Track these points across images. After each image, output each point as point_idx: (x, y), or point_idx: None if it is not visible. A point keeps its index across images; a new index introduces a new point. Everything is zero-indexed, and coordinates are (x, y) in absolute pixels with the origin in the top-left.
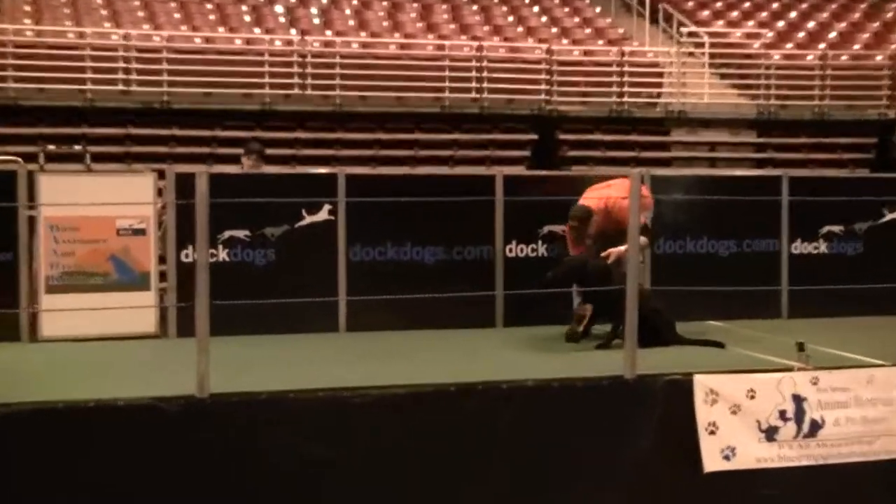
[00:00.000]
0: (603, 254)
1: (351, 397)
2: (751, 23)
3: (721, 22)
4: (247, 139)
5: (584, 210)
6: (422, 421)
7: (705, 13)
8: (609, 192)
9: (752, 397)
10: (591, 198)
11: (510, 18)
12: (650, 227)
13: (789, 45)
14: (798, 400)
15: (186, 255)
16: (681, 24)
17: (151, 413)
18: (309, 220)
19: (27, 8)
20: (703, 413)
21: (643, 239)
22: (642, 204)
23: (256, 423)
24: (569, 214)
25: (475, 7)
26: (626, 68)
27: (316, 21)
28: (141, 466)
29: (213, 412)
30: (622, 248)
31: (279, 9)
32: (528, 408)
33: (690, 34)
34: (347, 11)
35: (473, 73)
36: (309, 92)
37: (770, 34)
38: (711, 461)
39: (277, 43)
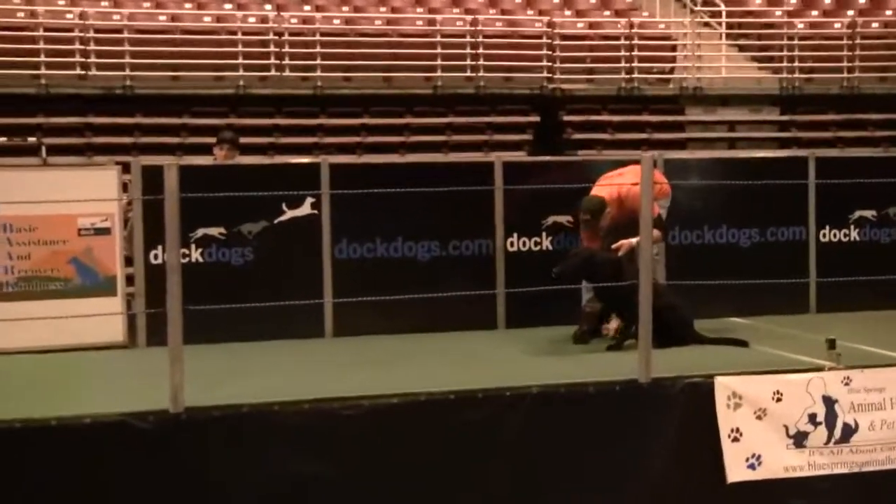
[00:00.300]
0: (613, 246)
1: (340, 409)
2: None
3: None
4: (219, 127)
5: (598, 202)
6: (418, 433)
7: None
8: (622, 181)
9: (779, 400)
10: (603, 187)
11: None
12: (664, 217)
13: (814, 13)
14: (829, 402)
15: (156, 257)
16: None
17: (121, 430)
18: (290, 214)
19: None
20: (726, 418)
21: (656, 232)
22: (657, 192)
23: (237, 438)
24: (581, 207)
25: None
26: (636, 42)
27: None
28: (110, 489)
29: (189, 428)
30: (633, 239)
31: None
32: (533, 416)
33: (706, 3)
34: None
35: (468, 50)
36: (287, 73)
37: (793, 1)
38: (735, 471)
39: (251, 20)
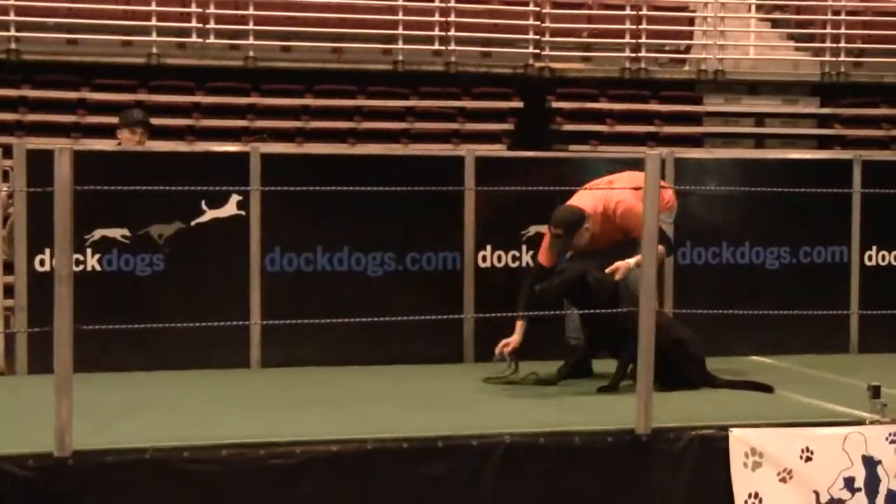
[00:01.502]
0: (608, 269)
1: (267, 457)
2: None
3: None
4: (126, 104)
5: (575, 214)
6: (363, 489)
7: None
8: (609, 195)
9: (809, 460)
10: (585, 196)
11: None
12: (669, 233)
13: None
14: (871, 463)
15: (42, 263)
16: None
17: None
18: (211, 215)
19: None
20: (743, 480)
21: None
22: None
23: (136, 491)
24: (552, 219)
25: None
26: (644, 13)
27: None
28: None
29: (78, 476)
30: (631, 260)
31: None
32: (506, 472)
33: None
34: None
35: (437, 17)
36: (211, 40)
37: None
38: None
39: None
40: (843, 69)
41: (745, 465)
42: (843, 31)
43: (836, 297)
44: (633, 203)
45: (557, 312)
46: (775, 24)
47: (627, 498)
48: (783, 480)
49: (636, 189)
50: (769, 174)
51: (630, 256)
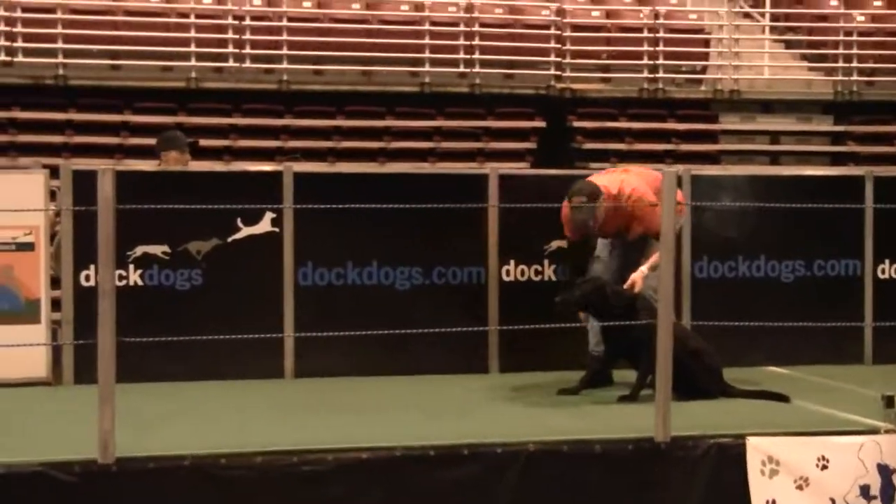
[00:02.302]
0: (626, 284)
1: (299, 463)
2: None
3: None
4: (166, 126)
5: (594, 187)
6: (391, 494)
7: None
8: (626, 178)
9: (825, 468)
10: (601, 179)
11: None
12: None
13: (877, 3)
14: (885, 472)
15: (87, 278)
16: None
17: (41, 483)
18: (246, 232)
19: None
20: (760, 488)
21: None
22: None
23: (176, 496)
24: (572, 190)
25: None
26: (662, 34)
27: None
28: None
29: (120, 482)
30: (644, 268)
31: None
32: (529, 478)
33: None
34: None
35: (461, 41)
36: (247, 65)
37: None
38: None
39: (206, 1)
40: (855, 88)
41: (763, 472)
42: (854, 51)
43: (850, 309)
44: (646, 192)
45: (577, 324)
46: (788, 44)
47: (646, 503)
48: (800, 488)
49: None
50: (784, 190)
51: (637, 256)
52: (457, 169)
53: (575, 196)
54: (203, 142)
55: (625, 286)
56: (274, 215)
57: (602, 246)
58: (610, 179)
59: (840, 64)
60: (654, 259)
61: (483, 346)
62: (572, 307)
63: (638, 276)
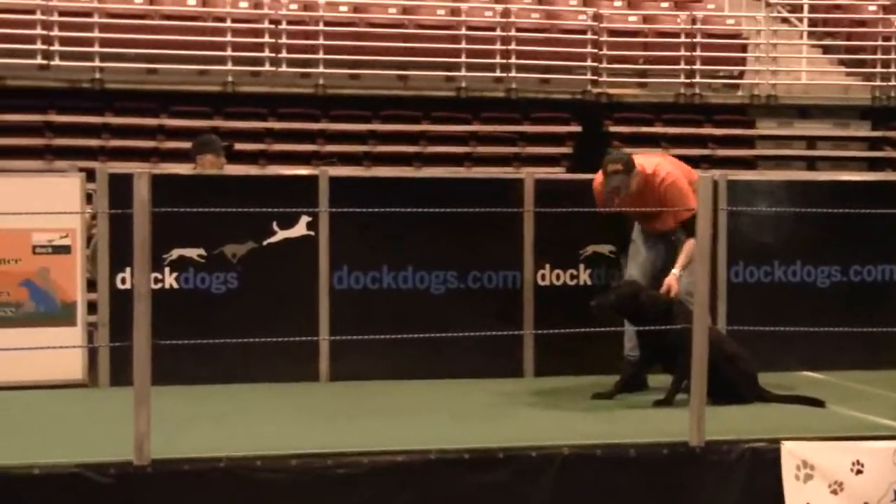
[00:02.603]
0: (663, 289)
1: (334, 466)
2: None
3: None
4: (202, 130)
5: (629, 158)
6: (425, 497)
7: None
8: (661, 162)
9: (860, 472)
10: (637, 158)
11: None
12: None
13: None
14: None
15: (123, 281)
16: None
17: (76, 484)
18: (282, 235)
19: None
20: (794, 492)
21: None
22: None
23: (210, 498)
24: (609, 158)
25: None
26: (699, 40)
27: None
28: None
29: (155, 483)
30: (675, 270)
31: None
32: (563, 482)
33: None
34: None
35: (497, 46)
36: (283, 69)
37: None
38: None
39: (242, 5)
40: (893, 93)
41: (797, 477)
42: (892, 56)
43: (886, 314)
44: (679, 178)
45: (613, 328)
46: (826, 49)
47: None
48: (834, 493)
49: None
50: (820, 195)
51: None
52: (492, 173)
53: (611, 163)
54: (239, 146)
55: (661, 290)
56: (310, 219)
57: (637, 232)
58: (646, 160)
59: (878, 69)
60: (685, 256)
61: (518, 349)
62: (608, 311)
63: (672, 280)
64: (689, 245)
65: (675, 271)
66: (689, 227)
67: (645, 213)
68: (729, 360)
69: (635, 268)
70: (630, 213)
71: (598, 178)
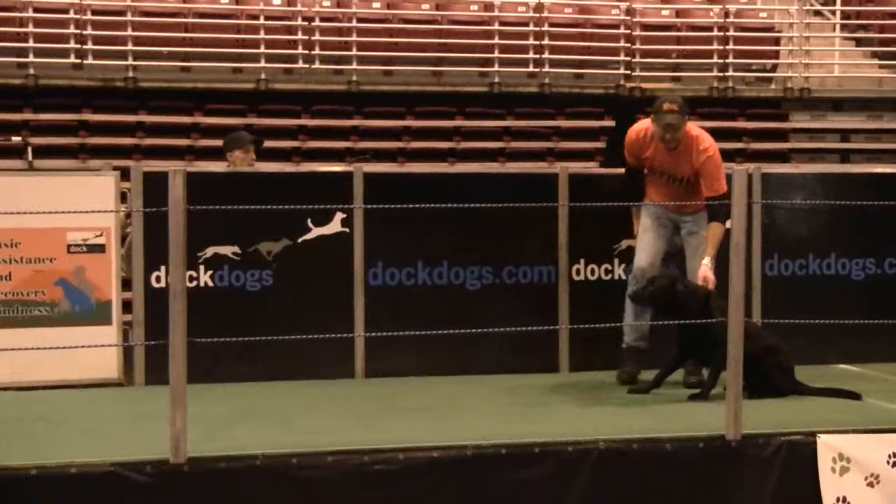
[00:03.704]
0: (699, 280)
1: (370, 463)
2: None
3: None
4: (235, 127)
5: (683, 101)
6: (462, 493)
7: None
8: (703, 134)
9: None
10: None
11: None
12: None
13: None
14: None
15: (158, 279)
16: None
17: (113, 482)
18: (316, 232)
19: None
20: (831, 485)
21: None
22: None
23: (247, 495)
24: (656, 103)
25: None
26: (732, 33)
27: None
28: None
29: (192, 481)
30: (706, 261)
31: None
32: (600, 476)
33: None
34: None
35: (531, 41)
36: (317, 66)
37: None
38: None
39: (276, 2)
40: None
41: (833, 469)
42: None
43: None
44: (718, 155)
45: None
46: (859, 42)
47: (717, 502)
48: (870, 485)
49: None
50: (854, 188)
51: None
52: (527, 169)
53: (667, 102)
54: (273, 143)
55: (699, 282)
56: (344, 216)
57: (649, 219)
58: (692, 125)
59: None
60: (714, 242)
61: (553, 344)
62: (645, 303)
63: (707, 271)
64: (717, 229)
65: (707, 261)
66: (716, 212)
67: (675, 176)
68: (765, 354)
69: (645, 256)
70: (657, 176)
71: (637, 127)
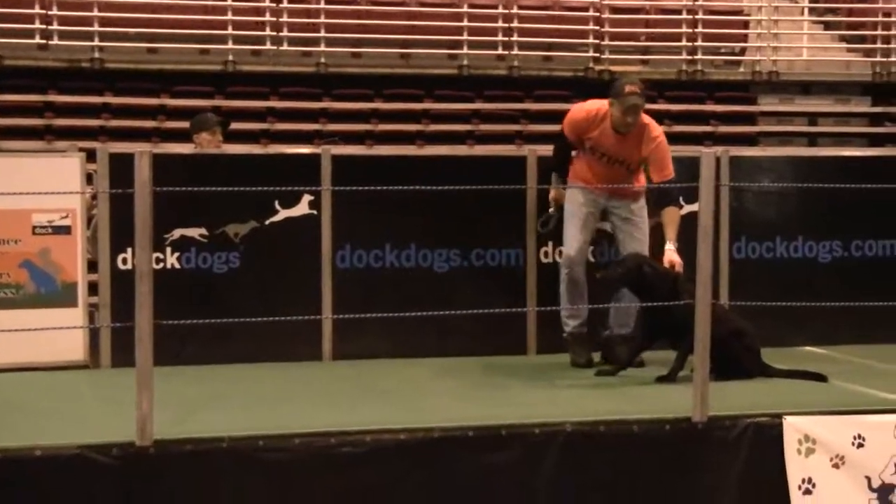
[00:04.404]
0: (665, 264)
1: (337, 445)
2: None
3: None
4: (203, 109)
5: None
6: (429, 476)
7: None
8: (653, 122)
9: (861, 446)
10: None
11: None
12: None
13: None
14: None
15: (124, 261)
16: None
17: (78, 465)
18: (284, 214)
19: None
20: (796, 467)
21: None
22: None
23: (214, 478)
24: (618, 83)
25: None
26: (700, 16)
27: None
28: None
29: (158, 464)
30: (670, 245)
31: None
32: (567, 459)
33: None
34: None
35: (500, 24)
36: (285, 48)
37: None
38: None
39: None
40: (893, 69)
41: (799, 451)
42: (893, 31)
43: (888, 289)
44: (665, 140)
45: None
46: (827, 26)
47: (684, 484)
48: (836, 466)
49: None
50: (822, 171)
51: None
52: (495, 152)
53: (629, 83)
54: (241, 125)
55: (665, 263)
56: (312, 198)
57: (580, 201)
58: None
59: (879, 45)
60: (674, 226)
61: (521, 327)
62: (613, 283)
63: (673, 255)
64: (675, 214)
65: (671, 245)
66: (671, 196)
67: (618, 160)
68: (733, 336)
69: (576, 245)
70: (597, 158)
71: (587, 106)
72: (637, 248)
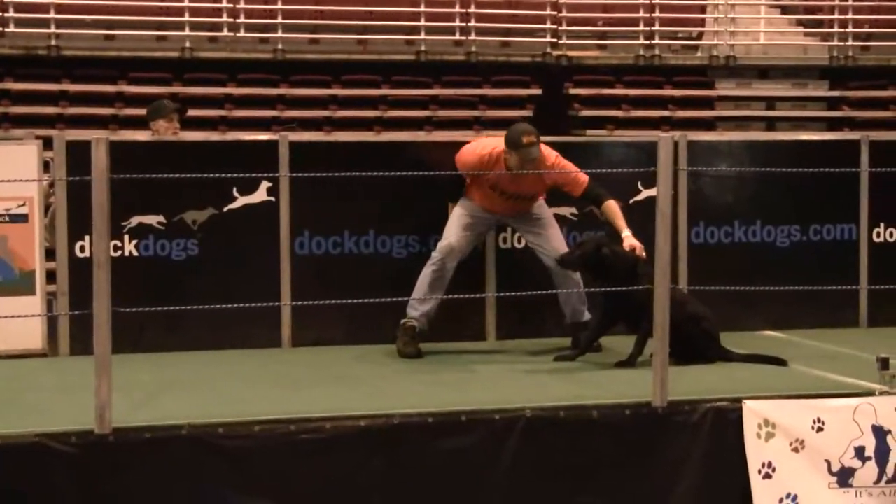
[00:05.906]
0: (626, 245)
1: (297, 432)
2: None
3: None
4: (160, 96)
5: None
6: (389, 462)
7: None
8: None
9: (820, 430)
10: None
11: None
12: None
13: None
14: (880, 433)
15: (82, 249)
16: None
17: (38, 454)
18: (242, 201)
19: None
20: (756, 451)
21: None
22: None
23: (173, 465)
24: (519, 128)
25: None
26: (658, 1)
27: None
28: None
29: (117, 452)
30: (627, 232)
31: None
32: (527, 444)
33: None
34: None
35: (457, 9)
36: (242, 34)
37: None
38: None
39: None
40: (850, 53)
41: (759, 435)
42: (850, 16)
43: (846, 273)
44: (560, 156)
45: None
46: (785, 10)
47: (644, 468)
48: (795, 450)
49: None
50: (780, 155)
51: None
52: (454, 137)
53: (525, 134)
54: (199, 112)
55: (626, 246)
56: (270, 184)
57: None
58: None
59: (836, 29)
60: (621, 217)
61: (481, 313)
62: (573, 267)
63: (633, 240)
64: (615, 205)
65: (627, 232)
66: (603, 195)
67: (517, 195)
68: (691, 321)
69: (457, 238)
70: (496, 193)
71: (479, 150)
72: (555, 235)
